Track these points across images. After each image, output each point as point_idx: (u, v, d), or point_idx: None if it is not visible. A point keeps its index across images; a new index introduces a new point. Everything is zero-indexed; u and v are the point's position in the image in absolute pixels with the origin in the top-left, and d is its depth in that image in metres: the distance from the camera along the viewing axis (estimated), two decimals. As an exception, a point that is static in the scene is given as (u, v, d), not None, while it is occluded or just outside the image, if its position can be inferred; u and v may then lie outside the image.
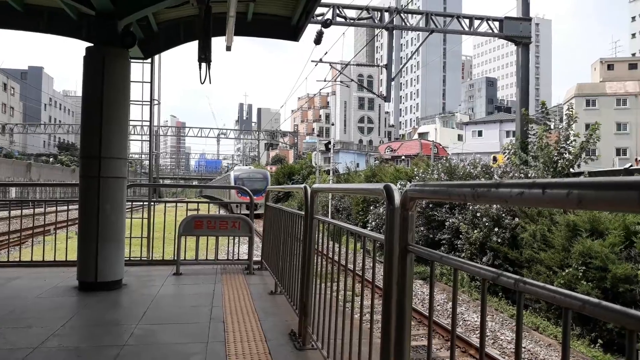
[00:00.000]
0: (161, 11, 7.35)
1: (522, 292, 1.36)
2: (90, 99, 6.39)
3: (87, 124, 6.41)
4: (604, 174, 18.95)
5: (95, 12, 6.33)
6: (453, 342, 1.84)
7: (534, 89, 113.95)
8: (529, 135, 16.87)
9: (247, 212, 8.41)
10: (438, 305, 10.98)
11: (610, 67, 63.50)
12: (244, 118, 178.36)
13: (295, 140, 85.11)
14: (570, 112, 16.18)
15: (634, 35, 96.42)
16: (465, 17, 22.93)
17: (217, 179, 69.60)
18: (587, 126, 17.36)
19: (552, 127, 16.80)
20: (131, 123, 7.74)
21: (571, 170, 14.99)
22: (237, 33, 7.57)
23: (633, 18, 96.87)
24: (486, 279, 1.57)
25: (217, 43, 8.34)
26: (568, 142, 15.14)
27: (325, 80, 29.37)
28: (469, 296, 11.81)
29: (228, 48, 7.92)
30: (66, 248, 7.97)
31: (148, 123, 9.82)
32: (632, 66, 63.99)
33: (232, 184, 36.87)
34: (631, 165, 27.61)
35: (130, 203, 8.83)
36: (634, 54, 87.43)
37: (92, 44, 6.48)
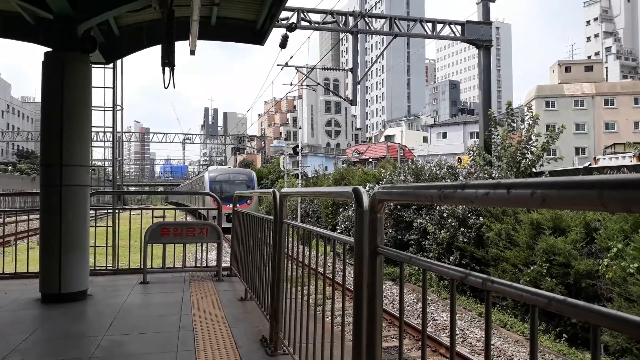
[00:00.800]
0: (123, 15, 7.21)
1: (489, 291, 1.38)
2: (49, 105, 6.21)
3: (47, 131, 6.23)
4: (564, 173, 19.54)
5: (54, 16, 6.17)
6: (424, 341, 1.86)
7: (495, 91, 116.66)
8: (493, 137, 17.24)
9: (229, 225, 8.23)
10: (408, 306, 11.09)
11: (567, 69, 65.63)
12: (210, 122, 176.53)
13: (263, 145, 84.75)
14: (532, 113, 16.63)
15: (589, 38, 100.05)
16: (428, 21, 23.31)
17: (185, 184, 62.94)
18: (547, 127, 17.83)
19: (514, 128, 17.23)
20: (93, 129, 7.57)
21: (533, 170, 15.39)
22: (201, 37, 7.49)
23: (588, 22, 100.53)
24: (455, 279, 1.59)
25: (181, 47, 8.25)
26: (530, 143, 15.54)
27: (291, 84, 29.38)
28: (437, 296, 11.97)
29: (192, 52, 7.83)
30: (27, 259, 7.72)
31: (111, 129, 9.62)
32: (588, 68, 66.30)
33: (206, 188, 29.52)
34: (590, 164, 28.56)
35: (94, 211, 8.61)
36: (589, 57, 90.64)
37: (50, 49, 6.30)
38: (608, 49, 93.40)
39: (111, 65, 8.60)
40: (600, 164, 30.67)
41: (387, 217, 15.34)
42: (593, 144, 59.05)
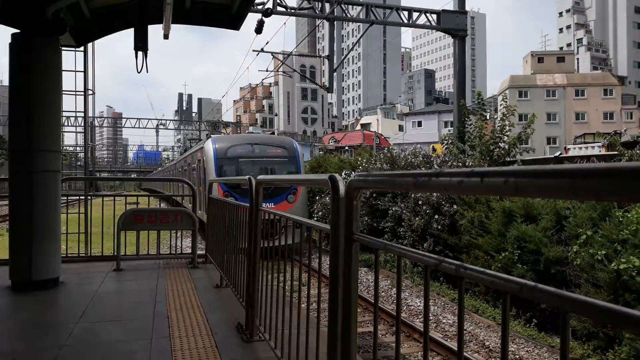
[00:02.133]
0: (94, -3, 7.03)
1: (463, 277, 1.41)
2: (17, 88, 6.05)
3: (16, 116, 6.07)
4: (536, 162, 19.92)
5: (22, -4, 5.98)
6: (398, 327, 1.89)
7: (470, 81, 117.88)
8: (466, 126, 17.43)
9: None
10: (383, 292, 11.22)
11: (540, 60, 66.66)
12: (184, 108, 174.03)
13: (239, 131, 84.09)
14: (506, 103, 16.86)
15: (561, 30, 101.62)
16: (404, 9, 23.32)
17: (158, 170, 56.02)
18: (521, 116, 18.09)
19: (487, 117, 17.45)
20: (64, 114, 7.41)
21: (507, 159, 15.64)
22: (175, 21, 7.35)
23: (560, 14, 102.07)
24: (429, 266, 1.62)
25: (155, 30, 8.09)
26: (503, 132, 15.77)
27: (267, 70, 29.14)
28: (412, 282, 12.14)
29: (166, 36, 7.68)
30: (-5, 247, 7.55)
31: (82, 114, 9.41)
32: (560, 59, 67.48)
33: (211, 170, 15.52)
34: (561, 154, 29.17)
35: (65, 197, 8.45)
36: (561, 48, 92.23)
37: (18, 30, 6.11)
38: (579, 40, 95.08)
39: (82, 48, 8.40)
40: (571, 153, 31.34)
41: (363, 204, 15.44)
42: (564, 133, 60.31)
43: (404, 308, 10.09)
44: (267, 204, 11.03)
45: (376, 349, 2.11)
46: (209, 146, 15.95)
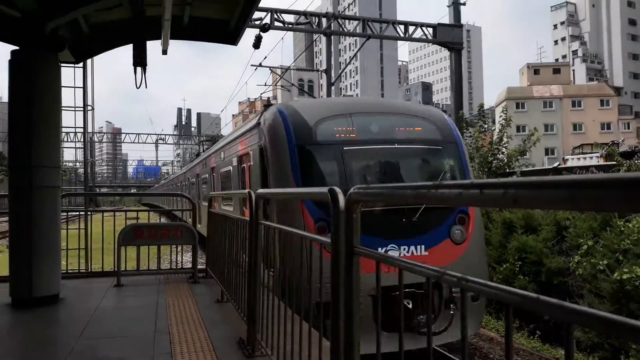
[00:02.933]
0: (93, 14, 7.08)
1: (465, 289, 1.41)
2: (17, 105, 6.07)
3: (15, 132, 6.08)
4: (534, 173, 19.94)
5: (20, 13, 6.02)
6: (401, 341, 1.88)
7: (467, 93, 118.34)
8: (464, 137, 17.51)
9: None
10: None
11: (536, 72, 67.15)
12: (183, 123, 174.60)
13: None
14: (505, 115, 16.96)
15: (556, 42, 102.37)
16: (400, 23, 23.53)
17: (177, 174, 40.88)
18: (518, 128, 18.15)
19: (485, 129, 17.53)
20: (64, 130, 7.43)
21: (506, 169, 15.68)
22: (173, 37, 7.41)
23: (555, 26, 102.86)
24: (430, 278, 1.61)
25: (153, 46, 8.14)
26: (501, 144, 15.83)
27: (265, 85, 29.28)
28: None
29: (164, 52, 7.74)
30: (-5, 263, 7.52)
31: (82, 129, 9.44)
32: (556, 71, 67.99)
33: (286, 171, 7.03)
34: (559, 164, 29.25)
35: (65, 213, 8.44)
36: (557, 60, 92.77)
37: (17, 47, 6.15)
38: (575, 52, 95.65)
39: (81, 64, 8.44)
40: (569, 164, 31.41)
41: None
42: (561, 144, 60.47)
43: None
44: (402, 248, 6.32)
45: (379, 362, 2.10)
46: (276, 121, 7.55)
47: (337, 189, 2.38)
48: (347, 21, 23.77)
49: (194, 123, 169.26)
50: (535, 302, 1.12)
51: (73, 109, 9.01)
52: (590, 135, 57.19)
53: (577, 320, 1.03)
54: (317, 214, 6.34)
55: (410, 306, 5.80)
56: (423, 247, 6.43)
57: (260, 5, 19.67)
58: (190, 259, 7.72)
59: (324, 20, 22.15)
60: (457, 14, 23.64)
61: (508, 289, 1.23)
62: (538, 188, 1.06)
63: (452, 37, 23.02)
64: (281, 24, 21.16)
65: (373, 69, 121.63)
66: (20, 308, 5.77)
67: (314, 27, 22.31)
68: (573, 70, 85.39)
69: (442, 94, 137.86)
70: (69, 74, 8.35)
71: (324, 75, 23.90)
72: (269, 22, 20.30)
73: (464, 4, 23.58)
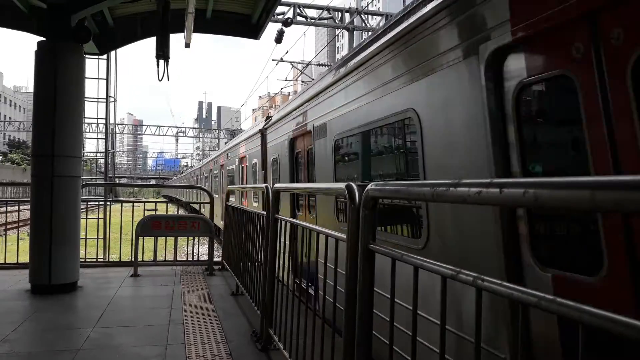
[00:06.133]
0: (117, 6, 7.16)
1: (481, 288, 1.39)
2: (42, 95, 6.16)
3: (39, 121, 6.19)
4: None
5: (47, 5, 6.12)
6: (414, 341, 1.86)
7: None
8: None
9: None
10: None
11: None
12: (204, 116, 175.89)
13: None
14: None
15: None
16: (424, 19, 23.32)
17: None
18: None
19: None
20: (86, 120, 7.53)
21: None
22: (196, 30, 7.46)
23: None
24: (446, 277, 1.59)
25: (176, 40, 8.20)
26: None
27: (286, 80, 29.31)
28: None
29: (187, 45, 7.79)
30: (17, 250, 7.67)
31: (104, 121, 9.57)
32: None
33: None
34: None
35: (85, 203, 8.59)
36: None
37: (44, 38, 6.25)
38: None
39: (105, 56, 8.55)
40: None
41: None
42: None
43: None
44: None
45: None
46: None
47: (354, 185, 2.37)
48: (370, 16, 23.65)
49: (214, 117, 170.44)
50: (551, 302, 1.10)
51: (96, 100, 9.14)
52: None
53: (594, 322, 1.00)
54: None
55: None
56: None
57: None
58: (207, 251, 7.78)
59: (346, 15, 22.07)
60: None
61: (523, 289, 1.21)
62: (559, 188, 1.04)
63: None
64: (304, 19, 21.12)
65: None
66: (40, 294, 5.88)
67: (337, 22, 22.23)
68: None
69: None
70: (93, 66, 8.47)
71: (344, 71, 23.82)
72: (291, 16, 20.28)
73: None
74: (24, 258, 6.76)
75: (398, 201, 3.85)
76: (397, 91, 3.75)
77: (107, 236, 8.33)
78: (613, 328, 0.93)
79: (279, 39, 20.23)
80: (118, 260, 8.24)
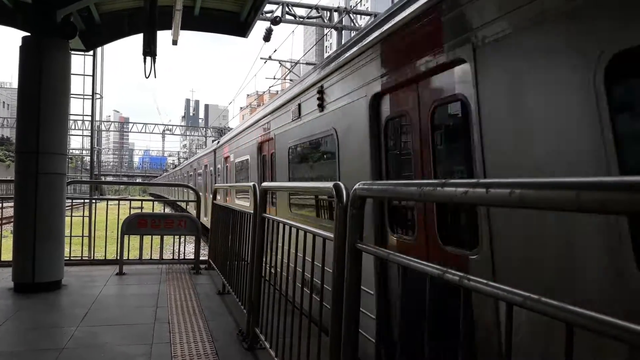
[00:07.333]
0: (104, 2, 7.09)
1: (466, 288, 1.40)
2: (26, 91, 6.08)
3: (24, 118, 6.10)
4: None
5: (32, 0, 6.04)
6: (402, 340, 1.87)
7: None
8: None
9: None
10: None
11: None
12: (191, 114, 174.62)
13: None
14: None
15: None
16: (412, 19, 23.39)
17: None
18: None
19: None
20: (72, 117, 7.45)
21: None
22: (183, 27, 7.41)
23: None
24: (432, 276, 1.60)
25: (163, 36, 8.14)
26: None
27: (274, 78, 29.21)
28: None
29: (174, 42, 7.74)
30: (0, 248, 7.55)
31: (90, 118, 9.47)
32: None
33: None
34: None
35: (70, 200, 8.48)
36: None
37: (29, 34, 6.17)
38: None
39: (91, 52, 8.46)
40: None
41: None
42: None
43: (406, 319, 10.02)
44: None
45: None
46: None
47: (342, 184, 2.37)
48: (358, 16, 23.66)
49: (201, 114, 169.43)
50: (536, 302, 1.11)
51: (82, 96, 9.04)
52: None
53: (578, 321, 1.02)
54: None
55: None
56: None
57: (271, -2, 19.65)
58: (193, 249, 7.74)
59: (335, 14, 22.08)
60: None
61: (508, 289, 1.22)
62: (544, 188, 1.05)
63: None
64: (292, 17, 21.08)
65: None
66: (23, 293, 5.81)
67: (325, 21, 22.23)
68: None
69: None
70: (79, 62, 8.38)
71: (332, 70, 23.82)
72: (280, 15, 20.24)
73: None
74: (7, 256, 6.67)
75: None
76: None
77: (93, 234, 8.25)
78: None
79: (267, 37, 20.16)
80: (103, 258, 8.16)
